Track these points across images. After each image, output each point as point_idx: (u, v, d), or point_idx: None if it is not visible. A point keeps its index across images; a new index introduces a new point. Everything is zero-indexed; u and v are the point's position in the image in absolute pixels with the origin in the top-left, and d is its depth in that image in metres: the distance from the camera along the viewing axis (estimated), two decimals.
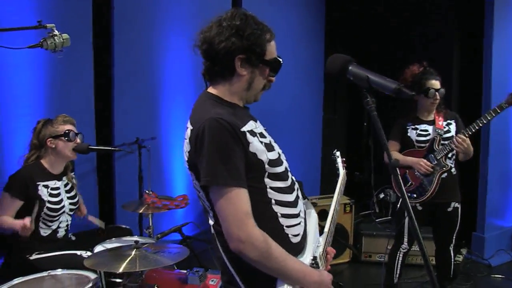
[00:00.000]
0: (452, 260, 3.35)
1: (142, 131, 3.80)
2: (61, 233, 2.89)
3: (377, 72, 1.34)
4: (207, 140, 1.40)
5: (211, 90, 1.58)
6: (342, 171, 2.34)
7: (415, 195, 3.23)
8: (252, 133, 1.47)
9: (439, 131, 3.20)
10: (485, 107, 4.28)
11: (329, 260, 1.73)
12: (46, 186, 2.79)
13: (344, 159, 2.42)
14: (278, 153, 1.56)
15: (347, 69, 1.40)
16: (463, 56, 4.66)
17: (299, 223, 1.56)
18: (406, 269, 4.13)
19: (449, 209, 3.22)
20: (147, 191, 3.19)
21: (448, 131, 3.23)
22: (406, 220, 3.26)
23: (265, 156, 1.47)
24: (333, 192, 2.04)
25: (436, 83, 3.18)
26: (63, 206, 2.87)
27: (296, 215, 1.55)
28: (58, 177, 2.90)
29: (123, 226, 3.37)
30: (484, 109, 4.27)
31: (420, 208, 3.25)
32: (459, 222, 3.26)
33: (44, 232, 2.80)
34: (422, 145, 3.24)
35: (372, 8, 5.40)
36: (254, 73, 1.54)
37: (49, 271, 2.41)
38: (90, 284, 2.25)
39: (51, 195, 2.80)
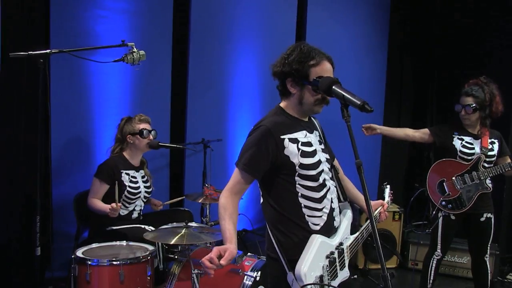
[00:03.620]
0: (489, 270, 3.38)
1: (209, 133, 4.31)
2: (135, 214, 3.46)
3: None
4: (251, 136, 1.94)
5: (281, 103, 2.06)
6: (387, 199, 2.53)
7: (450, 206, 3.28)
8: (294, 140, 1.93)
9: (484, 150, 3.24)
10: None
11: (381, 218, 2.34)
12: (128, 174, 3.38)
13: (392, 191, 2.60)
14: (319, 160, 1.97)
15: (332, 88, 1.75)
16: None
17: (321, 216, 1.96)
18: (451, 280, 4.21)
19: (482, 219, 3.29)
20: (206, 185, 3.65)
21: (492, 150, 3.28)
22: (440, 227, 3.38)
23: (297, 160, 1.91)
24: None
25: (467, 99, 3.22)
26: (140, 192, 3.43)
27: (319, 209, 1.95)
28: (137, 168, 3.48)
29: (183, 208, 3.89)
30: None
31: (453, 217, 3.33)
32: (492, 232, 3.31)
33: (122, 212, 3.36)
34: (465, 157, 3.27)
35: (435, 25, 5.49)
36: (303, 91, 1.95)
37: (117, 241, 3.00)
38: (148, 252, 2.82)
39: (131, 181, 3.37)
